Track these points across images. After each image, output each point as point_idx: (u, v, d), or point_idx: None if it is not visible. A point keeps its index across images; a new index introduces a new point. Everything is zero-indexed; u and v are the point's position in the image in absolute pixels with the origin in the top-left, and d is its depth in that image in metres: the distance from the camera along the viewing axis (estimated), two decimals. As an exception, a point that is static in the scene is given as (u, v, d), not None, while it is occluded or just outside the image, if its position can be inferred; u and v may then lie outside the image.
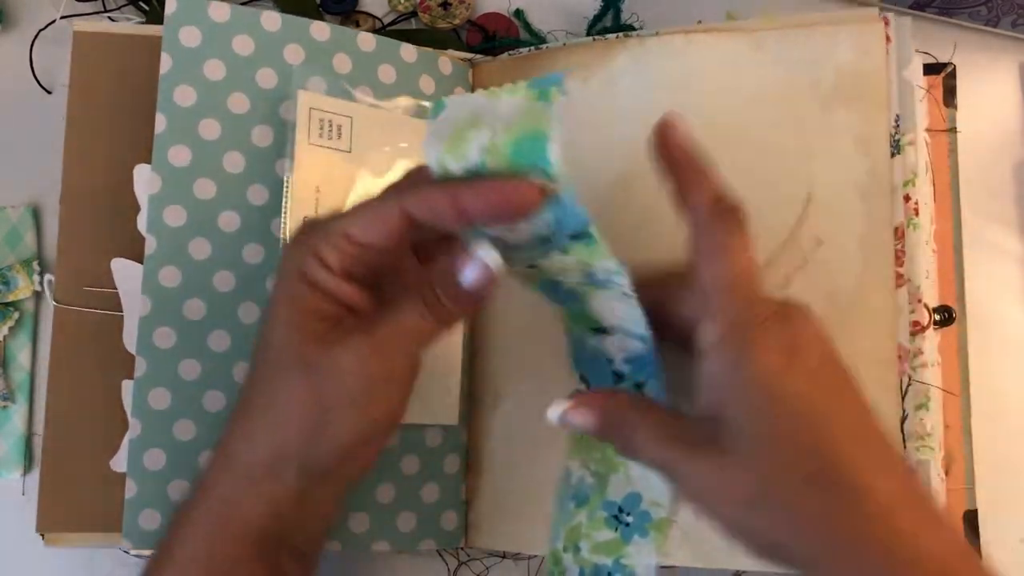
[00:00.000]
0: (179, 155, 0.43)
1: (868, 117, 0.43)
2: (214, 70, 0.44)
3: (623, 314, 0.39)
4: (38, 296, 0.50)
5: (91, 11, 0.53)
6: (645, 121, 0.46)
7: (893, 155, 0.43)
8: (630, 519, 0.42)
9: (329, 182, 0.44)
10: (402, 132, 0.47)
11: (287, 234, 0.44)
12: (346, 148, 0.45)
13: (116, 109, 0.46)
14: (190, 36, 0.43)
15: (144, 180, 0.44)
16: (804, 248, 0.43)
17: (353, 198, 0.45)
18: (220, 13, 0.44)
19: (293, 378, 0.35)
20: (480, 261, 0.35)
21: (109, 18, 0.53)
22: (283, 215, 0.44)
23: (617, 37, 0.47)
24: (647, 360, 0.40)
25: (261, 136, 0.44)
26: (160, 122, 0.43)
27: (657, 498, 0.42)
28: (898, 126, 0.43)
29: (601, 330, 0.41)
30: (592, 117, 0.47)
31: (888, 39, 0.44)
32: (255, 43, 0.44)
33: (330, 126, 0.45)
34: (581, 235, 0.35)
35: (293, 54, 0.45)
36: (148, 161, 0.43)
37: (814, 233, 0.43)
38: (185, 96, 0.43)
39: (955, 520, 0.48)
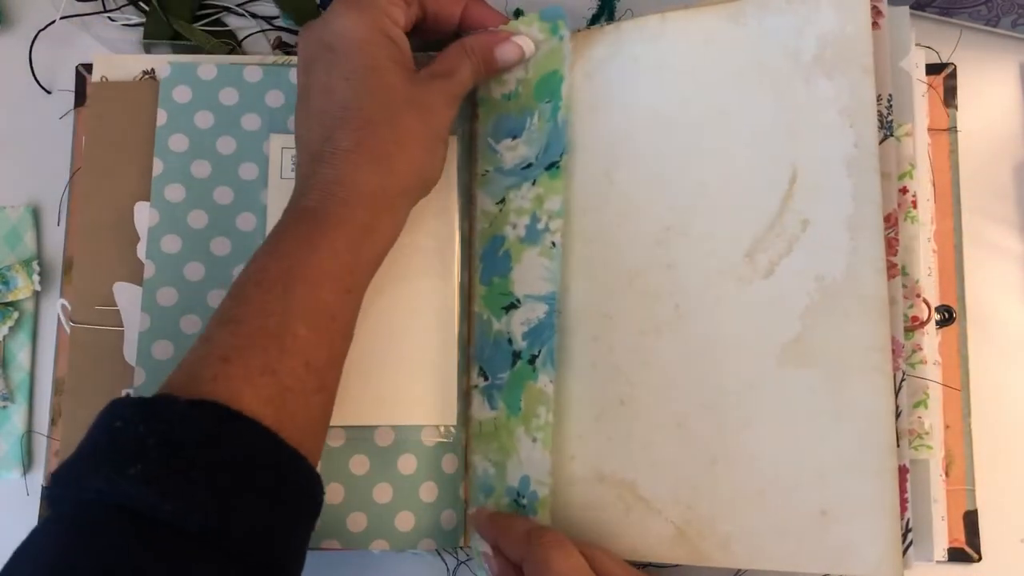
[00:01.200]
0: (174, 192, 0.49)
1: (853, 87, 0.41)
2: (204, 119, 0.49)
3: (542, 272, 0.45)
4: (38, 296, 0.50)
5: (91, 11, 0.53)
6: (624, 108, 0.45)
7: (885, 137, 0.41)
8: (525, 501, 0.44)
9: None
10: None
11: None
12: None
13: (124, 150, 0.50)
14: (182, 94, 0.50)
15: (143, 215, 0.48)
16: (790, 231, 0.42)
17: None
18: (207, 72, 0.50)
19: (411, 116, 0.41)
20: (515, 43, 0.46)
21: (109, 18, 0.53)
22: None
23: (600, 26, 0.47)
24: (546, 324, 0.45)
25: (247, 171, 0.49)
26: (157, 166, 0.49)
27: (541, 476, 0.44)
28: (891, 106, 0.42)
29: (511, 306, 0.46)
30: (574, 108, 0.46)
31: (880, 12, 0.42)
32: (239, 93, 0.50)
33: None
34: (553, 164, 0.46)
35: (274, 99, 0.50)
36: (147, 198, 0.48)
37: (800, 215, 0.42)
38: (179, 143, 0.49)
39: (955, 520, 0.48)
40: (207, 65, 0.50)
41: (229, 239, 0.48)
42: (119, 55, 0.52)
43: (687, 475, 0.42)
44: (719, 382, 0.42)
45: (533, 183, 0.46)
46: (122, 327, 0.48)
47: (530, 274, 0.46)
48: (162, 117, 0.49)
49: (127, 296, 0.48)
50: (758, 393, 0.42)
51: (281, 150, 0.49)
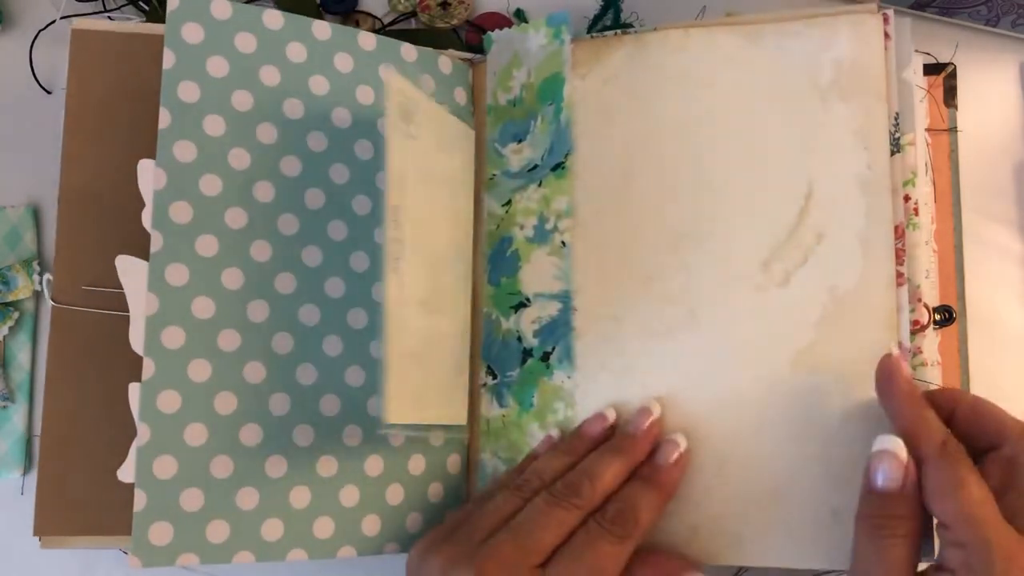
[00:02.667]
0: (184, 151, 0.43)
1: (867, 111, 0.43)
2: (217, 67, 0.44)
3: (553, 271, 0.46)
4: (38, 296, 0.50)
5: (91, 11, 0.53)
6: (644, 117, 0.46)
7: (893, 153, 0.43)
8: None
9: (411, 172, 0.43)
10: (448, 125, 0.47)
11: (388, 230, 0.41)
12: (417, 136, 0.44)
13: (115, 108, 0.46)
14: (192, 32, 0.44)
15: (147, 175, 0.43)
16: (805, 244, 0.43)
17: (421, 185, 0.44)
18: (222, 10, 0.44)
19: None
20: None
21: (109, 18, 0.53)
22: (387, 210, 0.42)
23: (616, 34, 0.47)
24: (560, 321, 0.45)
25: (265, 134, 0.44)
26: (164, 117, 0.43)
27: None
28: (897, 124, 0.43)
29: (520, 304, 0.47)
30: (590, 113, 0.47)
31: (887, 36, 0.43)
32: (257, 41, 0.45)
33: (408, 114, 0.43)
34: (559, 165, 0.46)
35: (295, 52, 0.45)
36: (145, 156, 0.43)
37: (815, 228, 0.43)
38: (189, 92, 0.43)
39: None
40: (221, 2, 0.44)
41: (246, 211, 0.44)
42: (103, 20, 0.50)
43: (698, 476, 0.43)
44: (733, 385, 0.43)
45: (539, 184, 0.47)
46: (110, 311, 0.44)
47: (540, 273, 0.46)
48: (169, 59, 0.43)
49: (132, 271, 0.43)
50: (772, 396, 0.43)
51: (396, 99, 0.42)
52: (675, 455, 0.42)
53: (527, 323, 0.47)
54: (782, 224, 0.43)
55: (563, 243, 0.46)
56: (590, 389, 0.45)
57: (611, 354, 0.45)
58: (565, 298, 0.46)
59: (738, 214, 0.44)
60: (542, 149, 0.47)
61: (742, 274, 0.44)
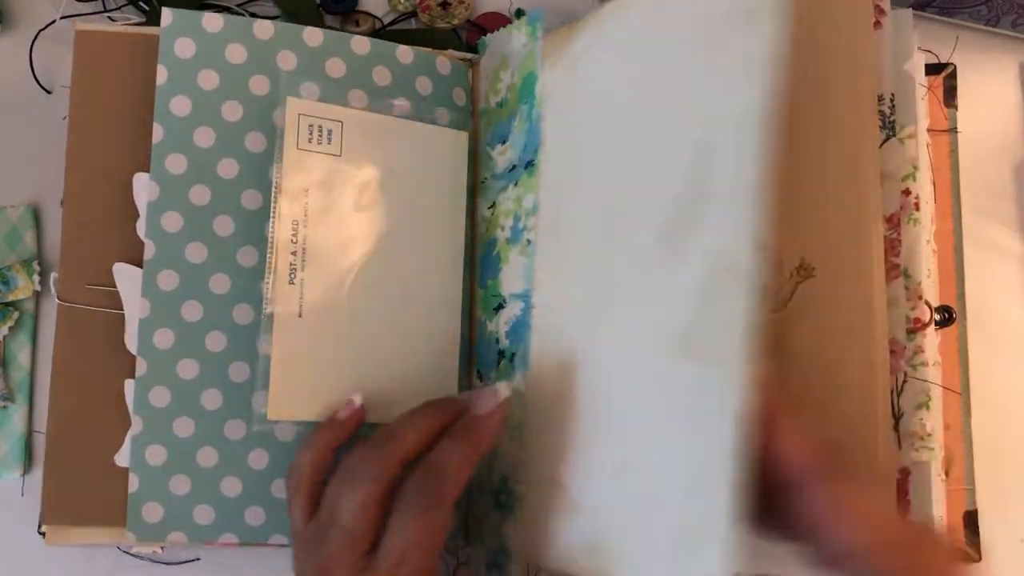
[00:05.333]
0: (176, 163, 0.45)
1: (762, 33, 0.34)
2: (208, 80, 0.45)
3: (520, 270, 0.45)
4: (38, 296, 0.50)
5: (91, 11, 0.53)
6: (607, 95, 0.42)
7: (888, 138, 0.41)
8: (503, 499, 0.45)
9: (318, 185, 0.46)
10: (395, 134, 0.48)
11: (276, 235, 0.45)
12: (336, 152, 0.46)
13: (119, 108, 0.46)
14: (185, 47, 0.45)
15: (143, 188, 0.45)
16: (694, 205, 0.36)
17: (346, 199, 0.46)
18: (213, 24, 0.45)
19: None
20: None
21: (109, 18, 0.53)
22: (272, 218, 0.45)
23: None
24: (522, 321, 0.45)
25: (254, 142, 0.46)
26: (157, 132, 0.45)
27: (517, 474, 0.44)
28: (893, 106, 0.42)
29: (499, 306, 0.47)
30: (554, 105, 0.45)
31: (883, 12, 0.42)
32: (248, 51, 0.46)
33: (320, 131, 0.46)
34: (530, 163, 0.46)
35: (286, 60, 0.46)
36: (147, 165, 0.45)
37: (702, 184, 0.36)
38: (181, 106, 0.45)
39: (955, 520, 0.48)
40: (212, 16, 0.45)
41: (232, 218, 0.45)
42: (105, 23, 0.50)
43: (595, 480, 0.39)
44: (629, 378, 0.38)
45: (516, 184, 0.47)
46: (114, 309, 0.45)
47: (513, 273, 0.46)
48: (162, 75, 0.45)
49: (128, 279, 0.45)
50: (653, 389, 0.37)
51: (298, 117, 0.45)
52: (492, 405, 0.39)
53: (502, 324, 0.46)
54: (677, 186, 0.37)
55: (528, 241, 0.45)
56: (539, 390, 0.43)
57: (557, 352, 0.42)
58: (526, 297, 0.45)
59: (642, 183, 0.39)
60: (519, 149, 0.47)
61: (644, 252, 0.38)
